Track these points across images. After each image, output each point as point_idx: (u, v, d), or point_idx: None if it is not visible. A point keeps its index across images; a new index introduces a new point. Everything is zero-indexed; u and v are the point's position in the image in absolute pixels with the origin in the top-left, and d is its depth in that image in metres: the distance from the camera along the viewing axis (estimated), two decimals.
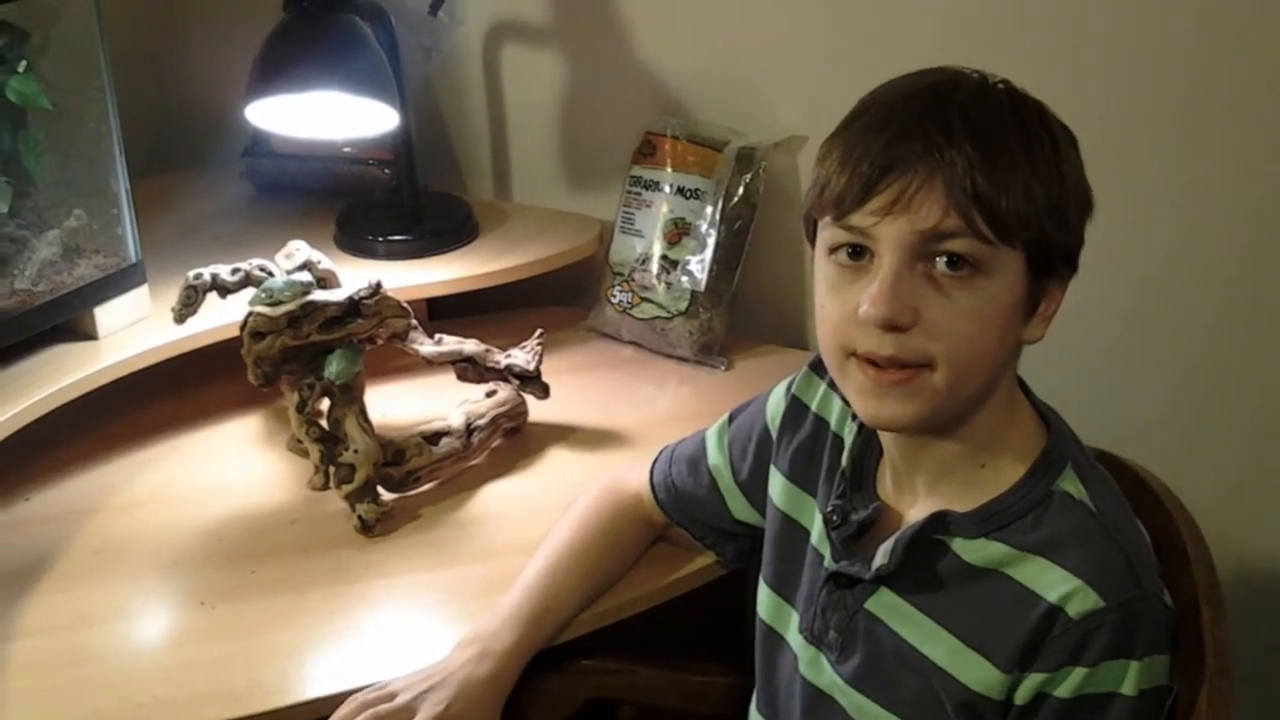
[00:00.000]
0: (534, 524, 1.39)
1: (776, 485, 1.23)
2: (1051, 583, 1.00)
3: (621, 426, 1.62)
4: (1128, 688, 0.98)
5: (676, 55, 1.81)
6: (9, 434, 1.45)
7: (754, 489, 1.28)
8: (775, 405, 1.27)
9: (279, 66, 1.58)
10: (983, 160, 0.96)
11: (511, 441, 1.59)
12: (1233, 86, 1.45)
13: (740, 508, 1.31)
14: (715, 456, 1.32)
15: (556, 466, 1.56)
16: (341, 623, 1.31)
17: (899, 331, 0.98)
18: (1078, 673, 0.98)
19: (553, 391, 1.59)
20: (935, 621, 1.05)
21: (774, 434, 1.25)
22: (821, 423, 1.21)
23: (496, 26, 1.91)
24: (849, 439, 1.16)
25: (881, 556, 1.08)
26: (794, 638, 1.18)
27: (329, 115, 1.65)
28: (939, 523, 1.06)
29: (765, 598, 1.23)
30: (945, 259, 0.98)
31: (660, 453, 1.38)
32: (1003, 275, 0.99)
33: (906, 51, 1.61)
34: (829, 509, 1.14)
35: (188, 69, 2.13)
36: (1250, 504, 1.57)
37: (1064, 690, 0.99)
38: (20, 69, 1.52)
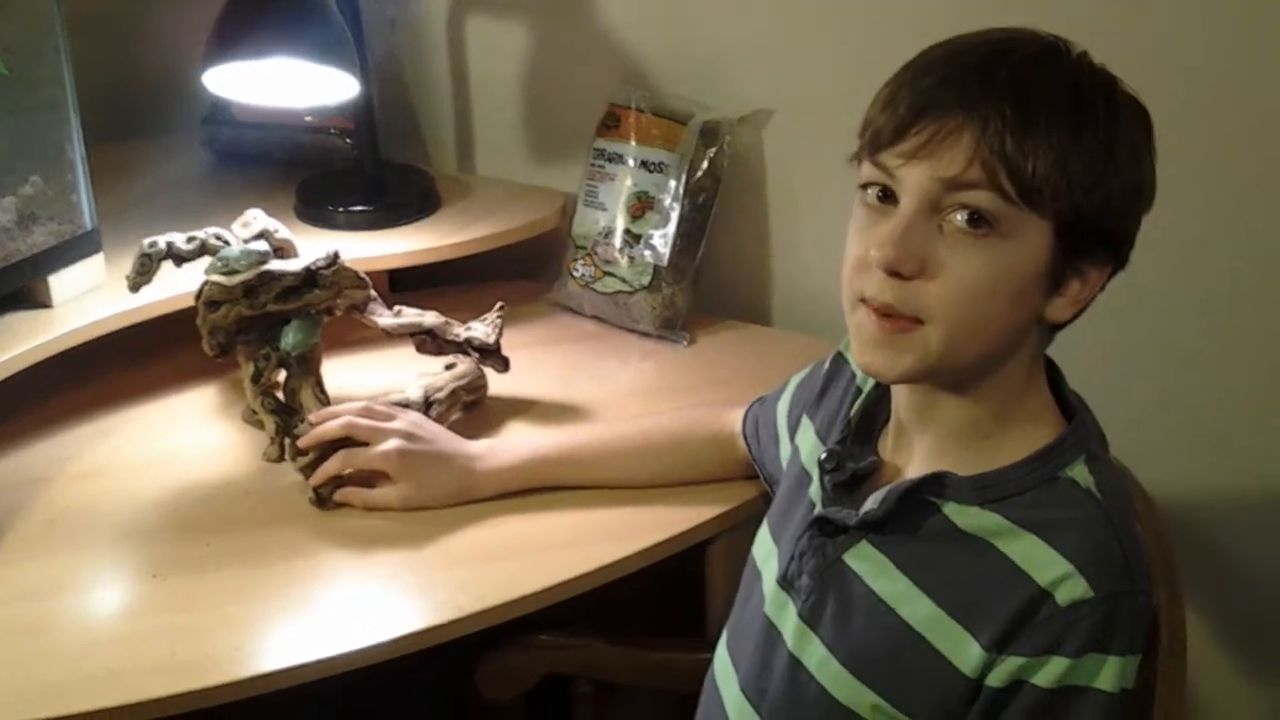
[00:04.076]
0: None
1: (806, 435, 1.23)
2: (1043, 564, 0.99)
3: (582, 400, 1.61)
4: (1106, 683, 0.98)
5: (642, 26, 1.80)
6: None
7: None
8: (830, 358, 1.27)
9: (237, 32, 1.56)
10: (1018, 118, 0.95)
11: (471, 415, 1.58)
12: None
13: (788, 453, 1.29)
14: (785, 399, 1.33)
15: (514, 435, 1.55)
16: (296, 596, 1.30)
17: (902, 279, 0.98)
18: (1059, 662, 0.97)
19: (513, 365, 1.58)
20: (913, 581, 1.04)
21: (820, 386, 1.25)
22: (852, 377, 1.21)
23: None
24: (865, 391, 1.16)
25: (872, 503, 1.07)
26: (769, 581, 1.17)
27: (289, 83, 1.63)
28: (936, 482, 1.05)
29: (760, 537, 1.23)
30: (965, 213, 0.97)
31: None
32: (1024, 241, 0.97)
33: (876, 25, 1.63)
34: (824, 454, 1.14)
35: (147, 32, 2.09)
36: (1210, 490, 1.57)
37: (1044, 679, 0.98)
38: None
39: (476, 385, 1.59)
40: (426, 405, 1.51)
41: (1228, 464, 1.56)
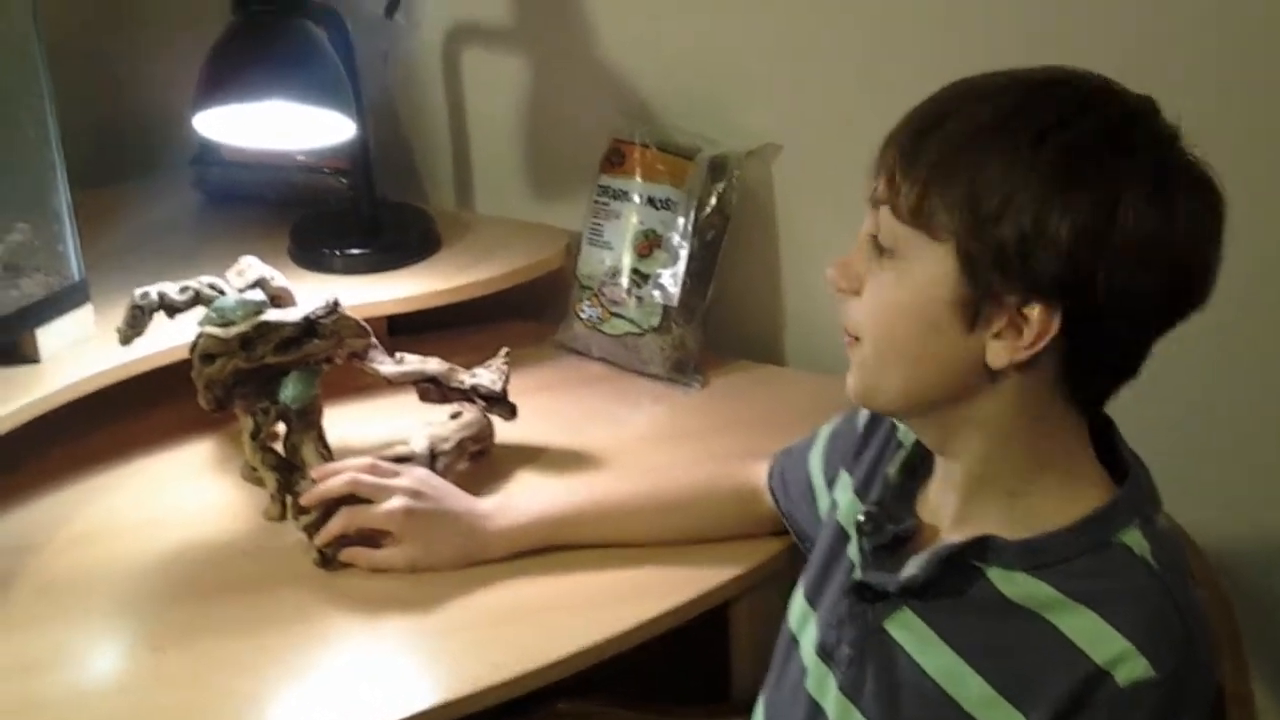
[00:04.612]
0: None
1: (844, 492, 1.18)
2: (1099, 640, 0.93)
3: (593, 447, 1.55)
4: None
5: (644, 58, 1.75)
6: None
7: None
8: (870, 412, 1.20)
9: (228, 75, 1.50)
10: (919, 137, 0.95)
11: (478, 465, 1.52)
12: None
13: (825, 509, 1.24)
14: (816, 452, 1.28)
15: (526, 490, 1.49)
16: (301, 666, 1.24)
17: (849, 297, 1.02)
18: None
19: (520, 410, 1.52)
20: (961, 657, 0.99)
21: (858, 440, 1.19)
22: (892, 430, 1.15)
23: (456, 29, 1.84)
24: (905, 446, 1.11)
25: (913, 567, 1.02)
26: (808, 651, 1.12)
27: (282, 125, 1.57)
28: (980, 546, 1.00)
29: (796, 604, 1.17)
30: (874, 234, 0.99)
31: None
32: (924, 265, 0.96)
33: (885, 58, 1.58)
34: (863, 515, 1.08)
35: (132, 72, 2.04)
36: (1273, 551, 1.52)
37: None
38: None
39: (483, 435, 1.53)
40: (432, 457, 1.46)
41: None
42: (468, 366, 1.52)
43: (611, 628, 1.26)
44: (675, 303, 1.66)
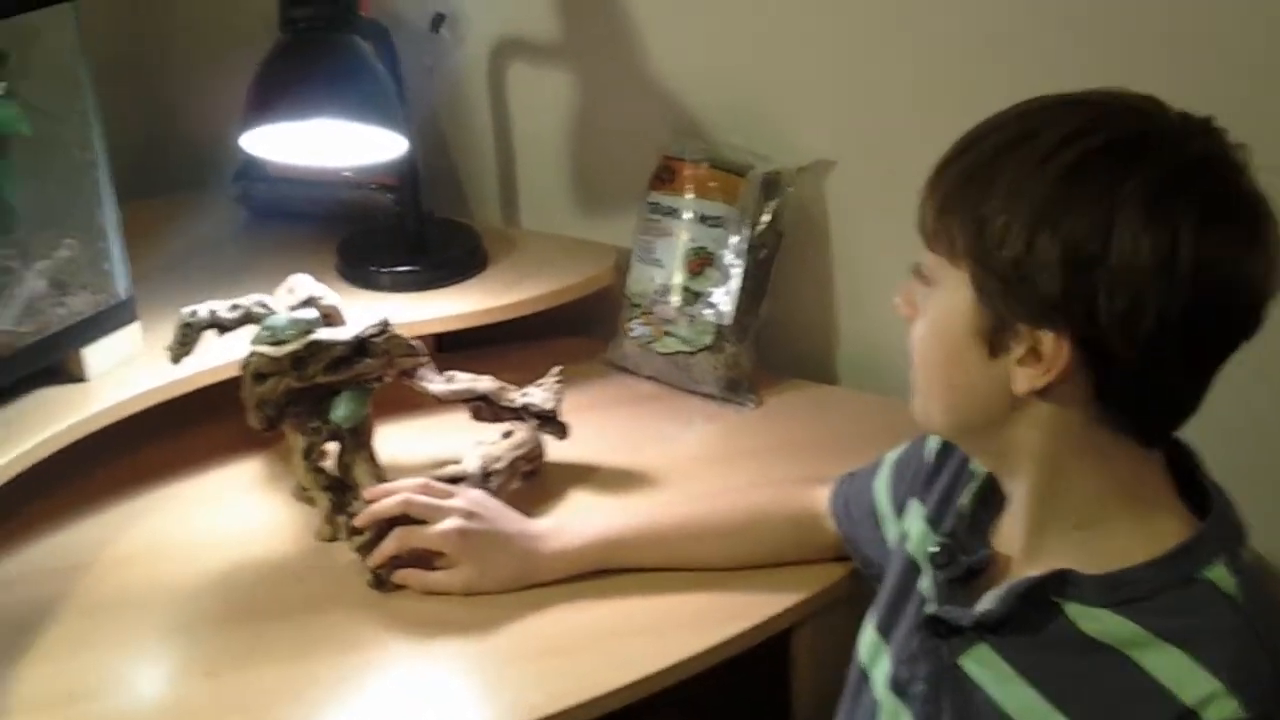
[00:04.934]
0: None
1: (915, 521, 1.15)
2: (1187, 680, 0.90)
3: (646, 467, 1.53)
4: None
5: (695, 73, 1.72)
6: None
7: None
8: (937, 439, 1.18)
9: (276, 93, 1.48)
10: (941, 167, 0.96)
11: (529, 484, 1.50)
12: None
13: (894, 538, 1.21)
14: (882, 478, 1.25)
15: (578, 510, 1.47)
16: (354, 693, 1.22)
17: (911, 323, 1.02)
18: None
19: (571, 430, 1.50)
20: (1043, 695, 0.96)
21: (930, 468, 1.17)
22: (965, 461, 1.13)
23: (501, 43, 1.82)
24: (979, 476, 1.08)
25: (988, 601, 0.99)
26: (880, 687, 1.09)
27: (330, 142, 1.55)
28: (1058, 581, 0.97)
29: (867, 637, 1.14)
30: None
31: None
32: (948, 291, 0.96)
33: (939, 71, 1.55)
34: (936, 546, 1.06)
35: (176, 87, 2.03)
36: None
37: None
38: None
39: (535, 454, 1.51)
40: (485, 477, 1.44)
41: None
42: (515, 384, 1.50)
43: (670, 656, 1.24)
44: (728, 321, 1.64)
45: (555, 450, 1.52)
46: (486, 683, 1.23)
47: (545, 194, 1.87)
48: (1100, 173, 0.90)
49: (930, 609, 1.04)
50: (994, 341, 0.95)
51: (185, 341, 1.40)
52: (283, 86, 1.48)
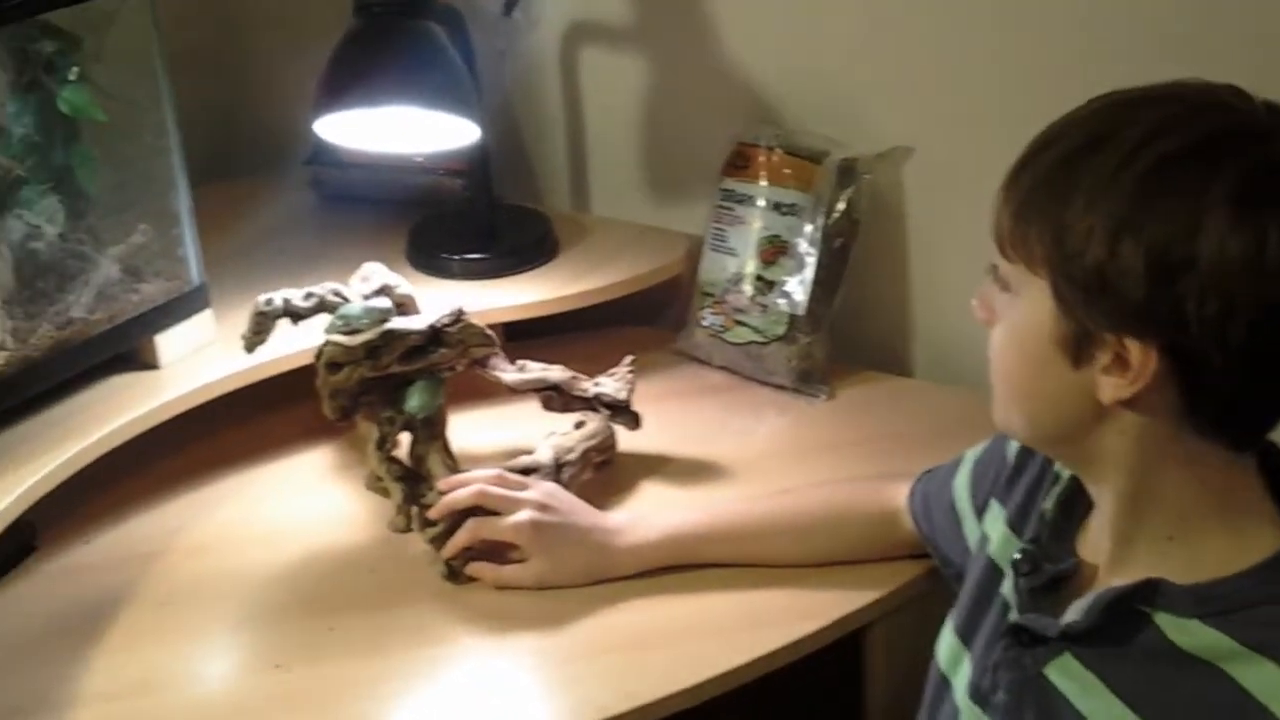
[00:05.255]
0: None
1: (996, 524, 1.12)
2: None
3: (718, 459, 1.51)
4: None
5: (770, 58, 1.69)
6: (69, 474, 1.35)
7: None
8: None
9: (349, 80, 1.47)
10: (1015, 171, 0.93)
11: (601, 475, 1.48)
12: None
13: (974, 539, 1.19)
14: (962, 476, 1.22)
15: (650, 502, 1.45)
16: (425, 687, 1.22)
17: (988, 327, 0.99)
18: None
19: (642, 420, 1.48)
20: (1131, 708, 0.92)
21: (1011, 469, 1.14)
22: (1047, 463, 1.10)
23: (575, 27, 1.80)
24: (1062, 480, 1.05)
25: (1074, 613, 0.96)
26: (961, 694, 1.06)
27: (403, 128, 1.54)
28: (1148, 590, 0.93)
29: (947, 642, 1.12)
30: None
31: None
32: (1029, 299, 0.93)
33: (1022, 55, 1.52)
34: (1018, 553, 1.03)
35: (253, 72, 2.03)
36: None
37: None
38: (72, 78, 1.42)
39: (606, 445, 1.49)
40: (558, 467, 1.43)
41: None
42: (584, 373, 1.48)
43: (741, 655, 1.22)
44: (802, 311, 1.61)
45: (627, 441, 1.51)
46: (556, 678, 1.22)
47: (617, 180, 1.85)
48: (1184, 174, 0.86)
49: (1014, 617, 1.01)
50: (1077, 352, 0.92)
51: (260, 330, 1.39)
52: (355, 73, 1.47)
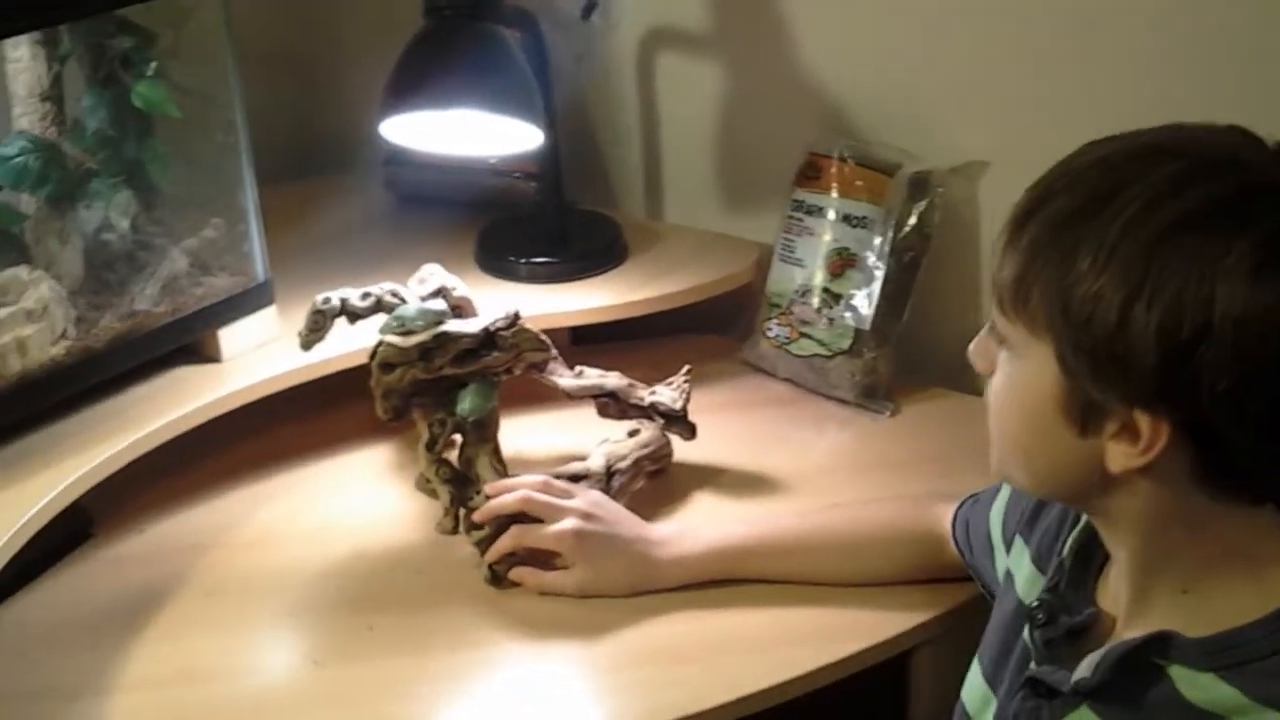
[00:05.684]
0: None
1: (1022, 560, 1.08)
2: None
3: (774, 472, 1.49)
4: None
5: (846, 68, 1.67)
6: (125, 462, 1.36)
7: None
8: None
9: (415, 82, 1.47)
10: (1014, 227, 0.88)
11: (655, 483, 1.47)
12: None
13: (1003, 574, 1.15)
14: (999, 505, 1.18)
15: (703, 512, 1.44)
16: (462, 692, 1.22)
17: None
18: None
19: (700, 430, 1.47)
20: None
21: (1035, 503, 1.11)
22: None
23: (652, 33, 1.79)
24: (1082, 520, 1.02)
25: (1085, 669, 0.93)
26: None
27: (469, 131, 1.54)
28: (1161, 644, 0.90)
29: (973, 682, 1.09)
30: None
31: None
32: (1031, 362, 0.89)
33: (1104, 68, 1.48)
34: (1034, 602, 1.00)
35: (332, 71, 2.04)
36: None
37: None
38: (150, 73, 1.44)
39: (661, 454, 1.48)
40: (609, 475, 1.42)
41: None
42: (649, 379, 1.47)
43: (783, 673, 1.21)
44: (868, 326, 1.59)
45: (683, 450, 1.49)
46: (596, 690, 1.22)
47: (691, 188, 1.84)
48: (1197, 239, 0.81)
49: (1030, 671, 0.98)
50: (1084, 420, 0.87)
51: (316, 328, 1.40)
52: (420, 75, 1.47)
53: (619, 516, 1.33)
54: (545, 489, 1.33)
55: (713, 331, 1.77)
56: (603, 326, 1.69)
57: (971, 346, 0.98)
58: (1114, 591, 0.97)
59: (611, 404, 1.46)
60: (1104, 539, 0.97)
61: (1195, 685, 0.88)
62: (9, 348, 1.33)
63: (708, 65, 1.76)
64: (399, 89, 1.47)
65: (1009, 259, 0.88)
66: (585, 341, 1.72)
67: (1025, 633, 1.02)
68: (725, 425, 1.55)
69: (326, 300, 1.40)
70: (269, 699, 1.21)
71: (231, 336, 1.50)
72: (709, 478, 1.49)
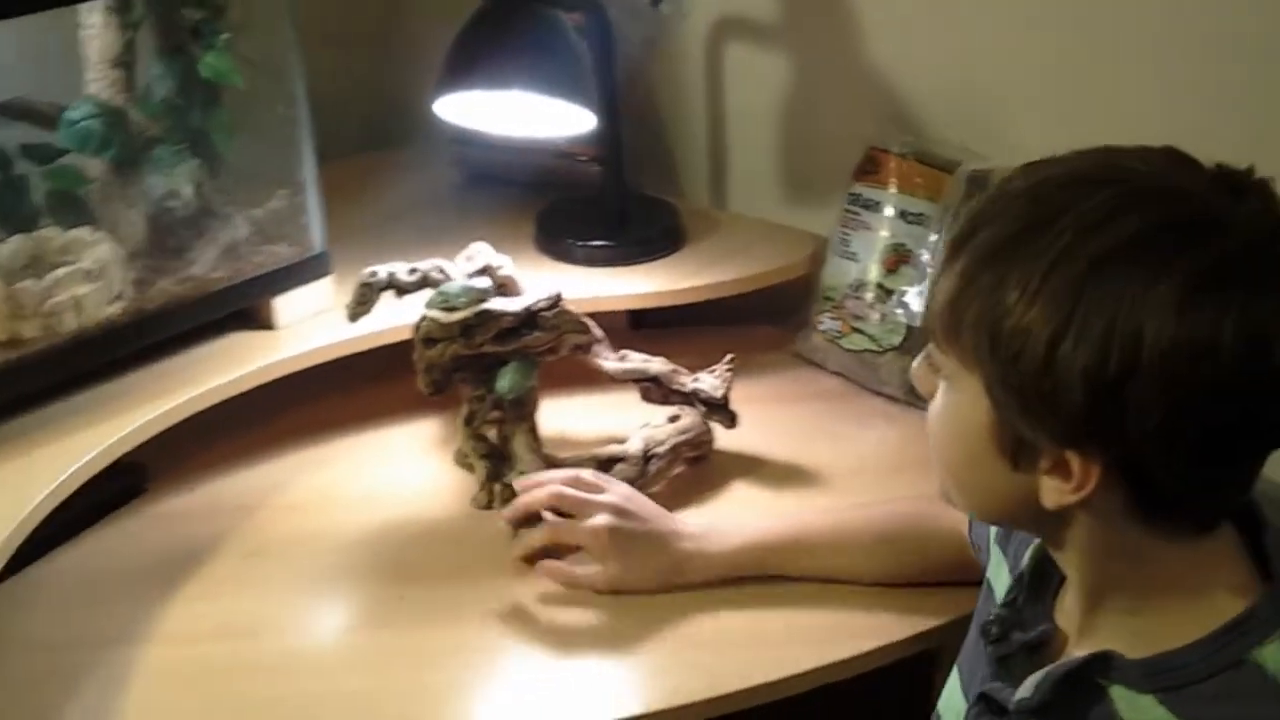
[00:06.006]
0: None
1: (1000, 570, 1.08)
2: None
3: (815, 464, 1.49)
4: None
5: (911, 64, 1.66)
6: (178, 420, 1.40)
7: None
8: None
9: (468, 61, 1.50)
10: (972, 257, 0.85)
11: (694, 470, 1.48)
12: None
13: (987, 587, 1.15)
14: None
15: (740, 501, 1.44)
16: (491, 664, 1.23)
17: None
18: None
19: (745, 420, 1.47)
20: None
21: None
22: None
23: (723, 21, 1.79)
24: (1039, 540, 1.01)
25: (1027, 688, 0.92)
26: None
27: (524, 112, 1.56)
28: (1102, 664, 0.89)
29: (951, 688, 1.08)
30: None
31: None
32: (964, 393, 0.88)
33: (1173, 67, 1.46)
34: (989, 617, 0.99)
35: (406, 47, 2.07)
36: None
37: None
38: (219, 45, 1.47)
39: (701, 440, 1.49)
40: (646, 459, 1.43)
41: None
42: (697, 367, 1.48)
43: (808, 661, 1.21)
44: (920, 323, 1.58)
45: (727, 439, 1.50)
46: (629, 661, 1.22)
47: (753, 177, 1.84)
48: (1125, 273, 0.79)
49: (983, 686, 0.98)
50: (1016, 455, 0.87)
51: (363, 301, 1.42)
52: (474, 55, 1.50)
53: (650, 512, 1.32)
54: (575, 483, 1.32)
55: (769, 322, 1.77)
56: (661, 312, 1.70)
57: (913, 368, 0.97)
58: (1069, 609, 0.96)
59: (654, 389, 1.46)
60: (1055, 559, 0.96)
61: (1135, 707, 0.87)
62: (65, 305, 1.37)
63: (775, 56, 1.76)
64: (454, 68, 1.50)
65: (942, 286, 0.87)
66: (646, 326, 1.73)
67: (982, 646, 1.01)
68: (772, 416, 1.55)
69: (373, 274, 1.42)
70: (298, 661, 1.23)
71: (287, 305, 1.53)
72: (750, 468, 1.49)
